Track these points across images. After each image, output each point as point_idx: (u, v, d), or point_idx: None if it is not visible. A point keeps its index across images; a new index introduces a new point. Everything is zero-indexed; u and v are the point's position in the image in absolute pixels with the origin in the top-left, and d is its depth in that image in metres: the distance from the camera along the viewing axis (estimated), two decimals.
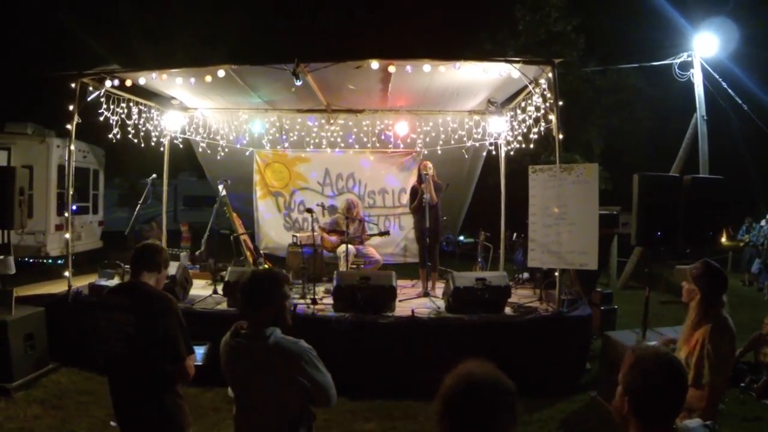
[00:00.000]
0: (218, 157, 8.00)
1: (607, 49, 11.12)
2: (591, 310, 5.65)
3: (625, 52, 10.58)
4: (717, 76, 7.71)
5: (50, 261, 8.83)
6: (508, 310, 5.72)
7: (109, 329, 2.53)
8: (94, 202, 10.39)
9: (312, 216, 6.51)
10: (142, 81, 6.01)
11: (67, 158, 5.96)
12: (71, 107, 5.92)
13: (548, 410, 4.98)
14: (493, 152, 8.14)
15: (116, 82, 6.13)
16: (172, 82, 6.30)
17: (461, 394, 1.34)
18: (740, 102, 7.71)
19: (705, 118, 7.97)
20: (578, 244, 5.37)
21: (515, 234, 7.83)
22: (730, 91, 7.73)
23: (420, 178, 6.77)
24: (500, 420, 1.32)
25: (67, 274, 5.92)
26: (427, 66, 5.41)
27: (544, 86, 5.59)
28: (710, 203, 4.66)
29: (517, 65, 5.45)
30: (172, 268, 5.96)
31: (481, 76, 6.00)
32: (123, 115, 6.74)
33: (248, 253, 7.12)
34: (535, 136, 6.46)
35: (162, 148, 7.91)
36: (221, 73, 5.61)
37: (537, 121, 6.24)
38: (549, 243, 5.52)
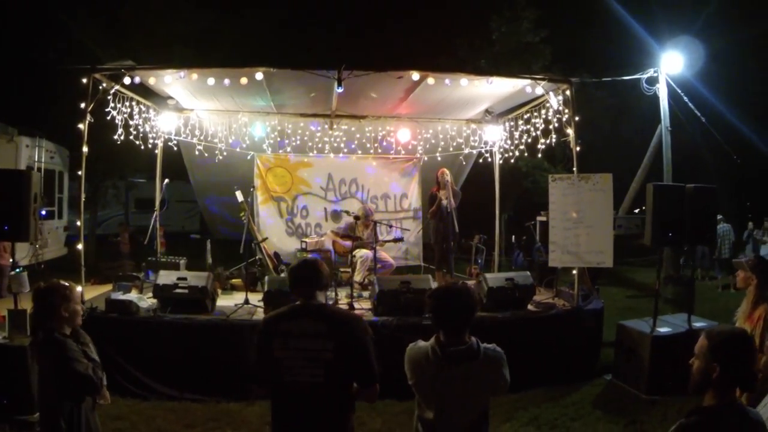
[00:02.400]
0: (216, 161, 8.18)
1: (573, 61, 12.57)
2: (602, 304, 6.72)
3: (592, 65, 12.05)
4: (680, 91, 9.24)
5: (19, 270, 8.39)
6: (530, 307, 6.64)
7: (296, 358, 2.47)
8: (59, 206, 9.96)
9: (356, 222, 7.01)
10: (168, 80, 6.15)
11: (83, 164, 5.96)
12: (83, 105, 5.87)
13: (577, 394, 5.92)
14: (489, 159, 9.10)
15: (136, 80, 6.22)
16: (170, 80, 6.41)
17: (731, 342, 2.05)
18: (699, 115, 9.29)
19: (669, 129, 9.50)
20: (595, 245, 6.41)
21: (514, 236, 8.82)
22: (690, 105, 9.29)
23: (438, 185, 7.52)
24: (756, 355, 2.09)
25: (79, 288, 5.91)
26: (464, 80, 6.18)
27: (560, 101, 6.57)
28: (708, 208, 5.85)
29: (542, 82, 6.38)
30: (202, 279, 6.17)
31: (494, 89, 6.87)
32: (126, 115, 6.82)
33: (268, 261, 7.42)
34: (543, 146, 7.45)
35: (156, 150, 7.97)
36: (259, 75, 5.93)
37: (546, 132, 7.24)
38: (568, 244, 6.51)
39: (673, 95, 9.33)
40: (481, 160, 9.20)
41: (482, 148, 9.04)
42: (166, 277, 6.08)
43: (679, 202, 5.77)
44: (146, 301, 6.03)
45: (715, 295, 10.48)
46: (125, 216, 16.89)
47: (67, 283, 2.94)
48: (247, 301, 6.33)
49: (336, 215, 8.76)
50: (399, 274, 8.08)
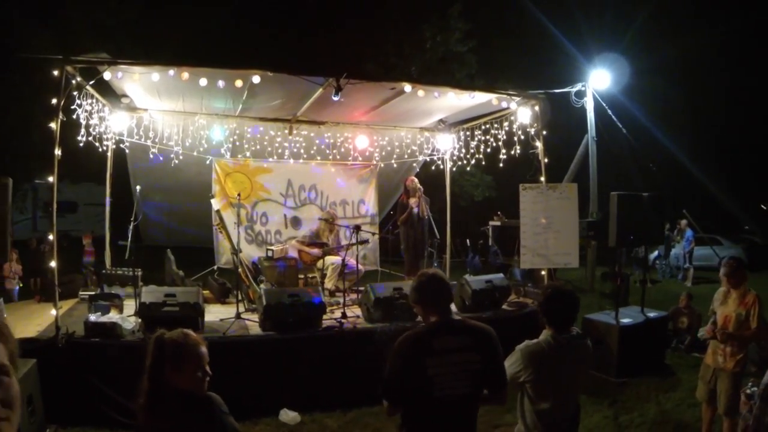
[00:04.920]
0: (172, 165, 7.91)
1: (498, 72, 13.82)
2: None
3: (516, 76, 13.35)
4: (604, 104, 10.75)
5: None
6: (504, 306, 7.41)
7: (448, 373, 2.61)
8: None
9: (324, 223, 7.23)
10: (155, 77, 5.89)
11: (55, 168, 5.53)
12: (54, 100, 5.42)
13: None
14: (441, 166, 9.83)
15: (119, 75, 5.89)
16: (157, 78, 6.15)
17: None
18: (621, 126, 10.90)
19: (595, 139, 10.98)
20: (562, 247, 7.35)
21: (468, 240, 9.60)
22: (613, 117, 10.85)
23: (408, 193, 8.03)
24: None
25: (53, 312, 5.40)
26: (451, 93, 6.78)
27: (532, 116, 7.43)
28: (659, 213, 7.08)
29: (516, 98, 7.21)
30: (192, 295, 6.00)
31: (458, 102, 7.53)
32: (87, 114, 6.45)
33: (247, 271, 7.31)
34: (505, 157, 8.29)
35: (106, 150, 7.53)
36: (256, 78, 5.95)
37: (509, 144, 8.09)
38: (538, 247, 7.38)
39: (600, 108, 10.81)
40: (433, 168, 9.90)
41: (435, 155, 9.76)
42: (151, 295, 5.82)
43: (638, 209, 6.92)
44: (129, 321, 5.77)
45: (636, 289, 12.28)
46: (32, 221, 15.30)
47: (191, 331, 2.58)
48: (239, 316, 6.30)
49: (296, 222, 8.89)
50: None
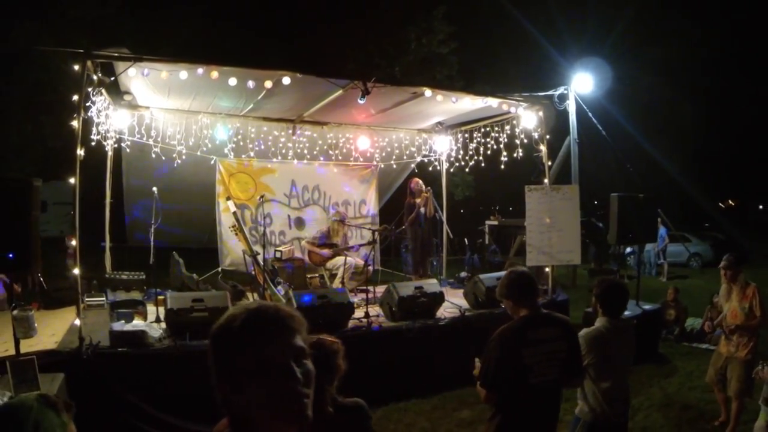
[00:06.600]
0: (175, 165, 7.84)
1: (477, 74, 14.31)
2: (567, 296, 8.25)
3: (495, 79, 13.89)
4: (585, 107, 11.33)
5: None
6: None
7: (540, 362, 2.93)
8: None
9: (340, 224, 7.46)
10: (183, 75, 5.84)
11: (77, 169, 5.40)
12: (75, 97, 5.32)
13: None
14: (438, 167, 10.19)
15: (145, 72, 5.81)
16: (185, 75, 6.01)
17: None
18: (601, 128, 11.55)
19: (577, 140, 11.60)
20: (565, 245, 7.85)
21: (466, 239, 10.00)
22: (594, 120, 11.46)
23: (413, 194, 8.33)
24: None
25: (77, 322, 5.24)
26: (467, 99, 7.12)
27: (534, 119, 7.87)
28: (653, 213, 7.70)
29: (524, 103, 7.64)
30: (221, 299, 5.94)
31: (463, 105, 7.89)
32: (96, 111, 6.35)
33: (266, 274, 7.33)
34: (506, 158, 8.71)
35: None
36: (286, 80, 6.05)
37: (511, 147, 8.51)
38: (542, 246, 7.84)
39: (582, 113, 11.42)
40: (430, 168, 10.26)
41: (431, 156, 10.11)
42: (178, 301, 5.76)
43: (635, 209, 7.51)
44: (155, 329, 5.70)
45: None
46: None
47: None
48: None
49: (299, 222, 9.01)
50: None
